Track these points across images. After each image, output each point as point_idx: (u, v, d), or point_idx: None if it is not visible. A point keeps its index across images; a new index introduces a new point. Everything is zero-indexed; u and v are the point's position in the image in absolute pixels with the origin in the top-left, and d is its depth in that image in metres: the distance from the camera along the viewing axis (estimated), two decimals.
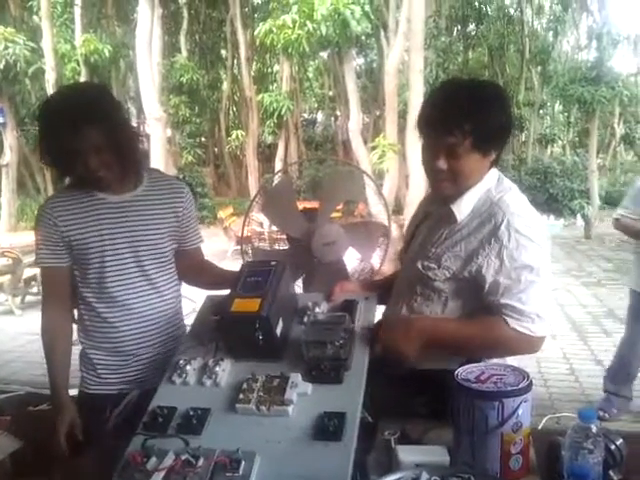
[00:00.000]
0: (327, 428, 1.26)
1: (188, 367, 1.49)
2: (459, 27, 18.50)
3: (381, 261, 2.87)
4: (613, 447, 1.26)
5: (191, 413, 1.35)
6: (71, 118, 1.61)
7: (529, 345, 1.56)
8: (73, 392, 3.20)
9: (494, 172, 1.63)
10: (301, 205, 2.67)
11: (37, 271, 7.77)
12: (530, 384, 1.29)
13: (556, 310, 6.98)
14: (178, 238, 1.90)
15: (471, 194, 1.60)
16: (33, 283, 7.97)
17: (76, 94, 1.75)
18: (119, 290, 1.79)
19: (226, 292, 1.56)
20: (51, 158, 1.72)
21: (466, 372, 1.36)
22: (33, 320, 7.42)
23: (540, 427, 2.79)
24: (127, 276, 1.79)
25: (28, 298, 8.00)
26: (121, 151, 1.70)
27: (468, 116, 1.48)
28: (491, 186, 1.61)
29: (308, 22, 10.58)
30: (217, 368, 1.46)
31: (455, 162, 1.54)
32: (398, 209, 9.37)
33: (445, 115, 1.52)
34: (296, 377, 1.38)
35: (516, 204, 1.57)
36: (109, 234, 1.75)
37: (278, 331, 1.48)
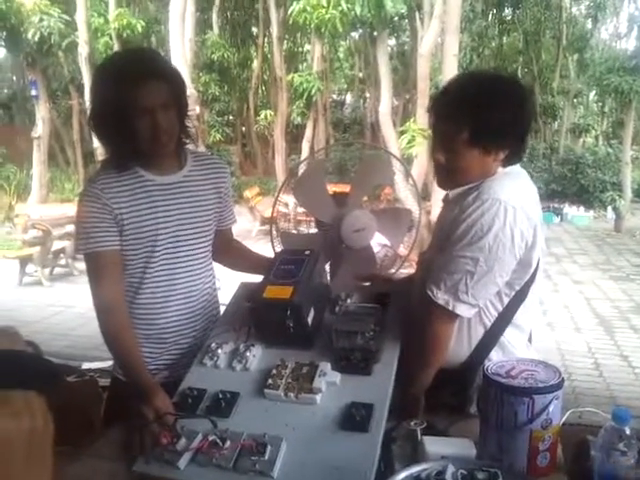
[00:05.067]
0: (354, 418, 1.26)
1: (219, 351, 1.51)
2: (495, 11, 18.12)
3: (409, 248, 2.84)
4: None
5: (220, 396, 1.37)
6: (138, 73, 1.54)
7: (432, 312, 1.49)
8: (101, 364, 3.26)
9: (503, 170, 1.54)
10: (331, 189, 2.64)
11: (66, 243, 7.90)
12: (562, 381, 1.28)
13: (582, 303, 6.90)
14: (218, 218, 1.85)
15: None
16: (62, 255, 8.12)
17: (136, 54, 1.69)
18: (165, 275, 1.71)
19: (258, 277, 1.57)
20: (109, 125, 1.59)
21: (497, 366, 1.35)
22: (61, 292, 7.57)
23: (563, 421, 2.77)
24: (176, 260, 1.72)
25: (57, 270, 8.16)
26: (184, 115, 1.66)
27: (468, 107, 1.44)
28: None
29: (342, 2, 10.45)
30: (248, 353, 1.48)
31: (452, 156, 1.50)
32: (425, 195, 9.28)
33: (446, 102, 1.51)
34: (325, 366, 1.39)
35: (498, 184, 1.48)
36: (163, 217, 1.67)
37: (309, 319, 1.48)
